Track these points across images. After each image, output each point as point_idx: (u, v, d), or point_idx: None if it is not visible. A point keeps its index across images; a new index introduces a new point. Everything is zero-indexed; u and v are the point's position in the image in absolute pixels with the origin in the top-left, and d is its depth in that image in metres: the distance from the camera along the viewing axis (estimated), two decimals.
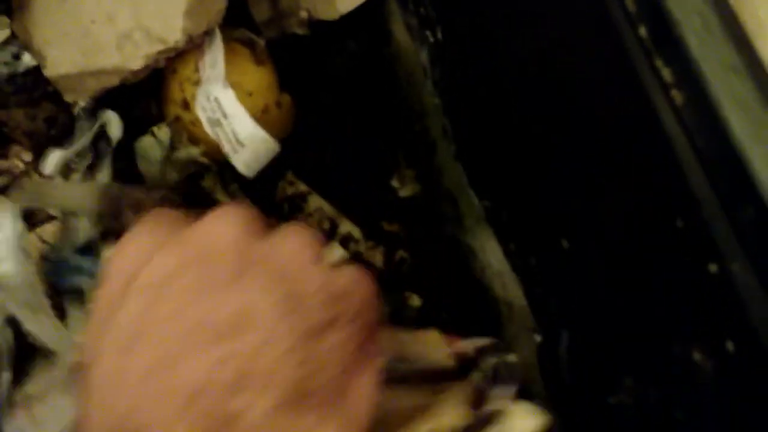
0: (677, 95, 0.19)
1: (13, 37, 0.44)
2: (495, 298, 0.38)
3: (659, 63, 0.19)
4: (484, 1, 0.34)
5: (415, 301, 0.43)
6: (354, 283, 0.26)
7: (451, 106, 0.39)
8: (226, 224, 0.26)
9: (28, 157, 0.41)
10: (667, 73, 0.19)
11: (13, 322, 0.36)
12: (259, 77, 0.44)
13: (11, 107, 0.42)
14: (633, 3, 0.20)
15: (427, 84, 0.41)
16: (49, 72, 0.43)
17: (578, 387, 0.32)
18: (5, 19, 0.44)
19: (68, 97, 0.43)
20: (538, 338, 0.35)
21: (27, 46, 0.44)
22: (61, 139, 0.42)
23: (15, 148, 0.41)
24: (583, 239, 0.28)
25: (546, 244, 0.31)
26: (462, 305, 0.42)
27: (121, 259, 0.26)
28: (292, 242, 0.26)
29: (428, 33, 0.40)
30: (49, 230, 0.38)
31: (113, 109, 0.44)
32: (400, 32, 0.43)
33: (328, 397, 0.24)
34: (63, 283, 0.37)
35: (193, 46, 0.42)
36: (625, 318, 0.27)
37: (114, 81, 0.43)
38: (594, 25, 0.22)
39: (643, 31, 0.20)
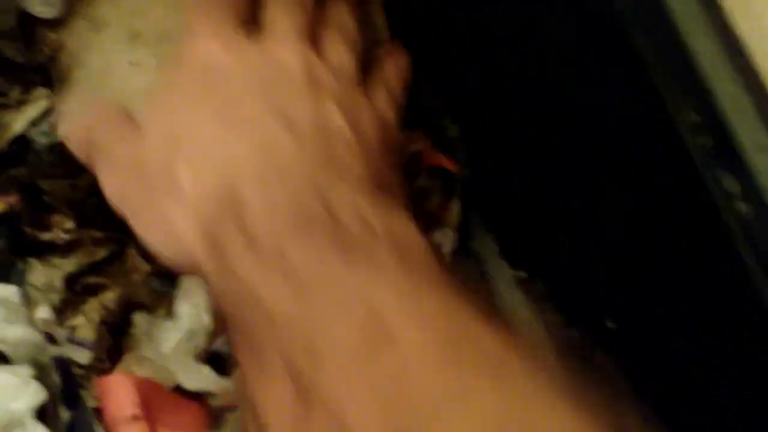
0: (742, 205, 0.20)
1: (53, 108, 0.45)
2: None
3: (721, 173, 0.21)
4: (525, 98, 0.35)
5: None
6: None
7: (480, 179, 0.40)
8: (291, 50, 0.30)
9: (69, 225, 0.42)
10: (730, 184, 0.20)
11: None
12: None
13: (53, 177, 0.43)
14: (695, 114, 0.21)
15: (456, 157, 0.42)
16: None
17: None
18: (45, 91, 0.45)
19: None
20: None
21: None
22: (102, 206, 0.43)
23: (56, 218, 0.42)
24: (633, 323, 0.30)
25: (590, 322, 0.32)
26: None
27: (201, 46, 0.32)
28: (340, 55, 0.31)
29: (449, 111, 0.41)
30: (110, 297, 0.39)
31: None
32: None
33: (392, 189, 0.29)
34: None
35: None
36: (682, 408, 0.28)
37: None
38: (657, 135, 0.24)
39: (705, 141, 0.21)
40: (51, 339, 0.36)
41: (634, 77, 0.23)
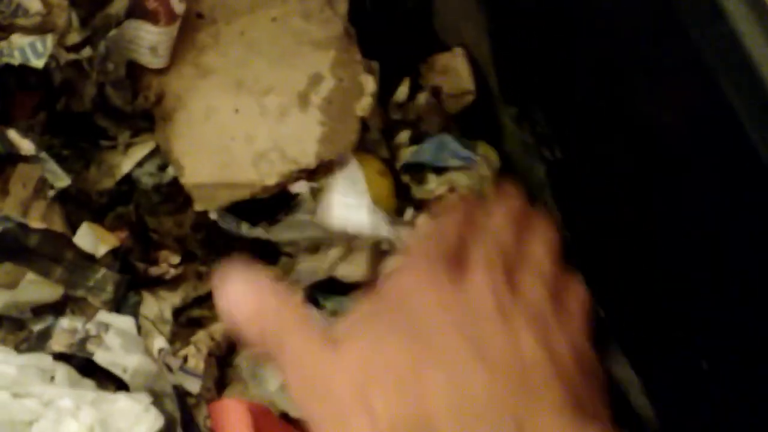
0: None
1: (157, 150, 0.48)
2: (620, 404, 0.40)
3: None
4: (610, 128, 0.37)
5: None
6: None
7: (571, 220, 0.42)
8: (487, 286, 0.33)
9: (176, 260, 0.45)
10: None
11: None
12: (383, 186, 0.47)
13: (161, 215, 0.46)
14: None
15: (545, 198, 0.44)
16: (186, 180, 0.47)
17: None
18: (150, 135, 0.48)
19: (198, 207, 0.46)
20: None
21: (167, 156, 0.48)
22: (204, 241, 0.46)
23: (164, 253, 0.45)
24: (724, 360, 0.31)
25: (681, 365, 0.34)
26: None
27: (406, 281, 0.33)
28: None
29: (545, 151, 0.43)
30: (216, 329, 0.42)
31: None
32: (515, 149, 0.47)
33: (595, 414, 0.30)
34: None
35: (324, 168, 0.46)
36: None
37: (245, 194, 0.46)
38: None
39: None
40: (168, 368, 0.39)
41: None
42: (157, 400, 0.38)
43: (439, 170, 0.48)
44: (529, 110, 0.44)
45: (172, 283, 0.45)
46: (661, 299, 0.35)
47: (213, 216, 0.46)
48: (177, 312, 0.44)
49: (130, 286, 0.43)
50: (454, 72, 0.50)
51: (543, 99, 0.42)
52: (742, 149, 0.27)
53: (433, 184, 0.47)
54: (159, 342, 0.40)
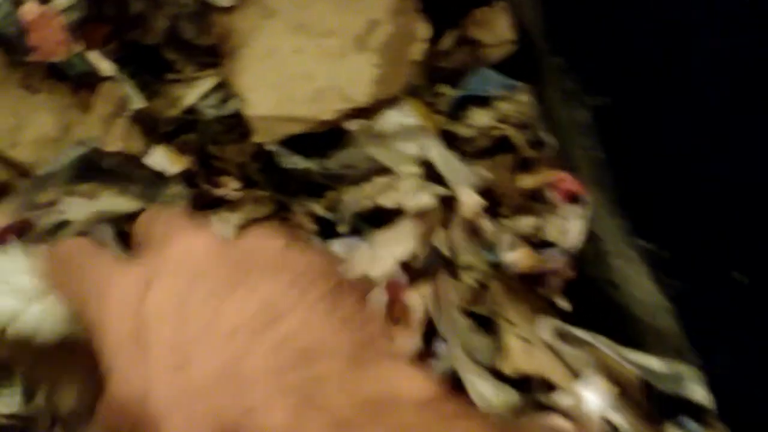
0: None
1: (220, 85, 0.51)
2: (645, 326, 0.43)
3: None
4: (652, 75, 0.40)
5: None
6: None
7: (616, 160, 0.45)
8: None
9: (236, 185, 0.48)
10: None
11: None
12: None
13: (224, 144, 0.49)
14: None
15: (586, 142, 0.47)
16: (248, 112, 0.50)
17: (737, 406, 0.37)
18: (214, 70, 0.51)
19: (257, 138, 0.50)
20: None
21: (231, 88, 0.51)
22: (263, 170, 0.49)
23: (225, 179, 0.48)
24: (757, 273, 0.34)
25: (712, 279, 0.37)
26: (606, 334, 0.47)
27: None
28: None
29: (590, 98, 0.47)
30: None
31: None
32: (555, 97, 0.50)
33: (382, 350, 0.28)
34: None
35: (377, 107, 0.50)
36: None
37: (302, 128, 0.50)
38: None
39: None
40: None
41: None
42: None
43: (483, 103, 0.51)
44: (575, 60, 0.47)
45: (233, 205, 0.48)
46: (699, 229, 0.38)
47: (270, 147, 0.49)
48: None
49: (194, 206, 0.47)
50: (494, 24, 0.53)
51: (590, 50, 0.46)
52: None
53: (478, 116, 0.50)
54: None
